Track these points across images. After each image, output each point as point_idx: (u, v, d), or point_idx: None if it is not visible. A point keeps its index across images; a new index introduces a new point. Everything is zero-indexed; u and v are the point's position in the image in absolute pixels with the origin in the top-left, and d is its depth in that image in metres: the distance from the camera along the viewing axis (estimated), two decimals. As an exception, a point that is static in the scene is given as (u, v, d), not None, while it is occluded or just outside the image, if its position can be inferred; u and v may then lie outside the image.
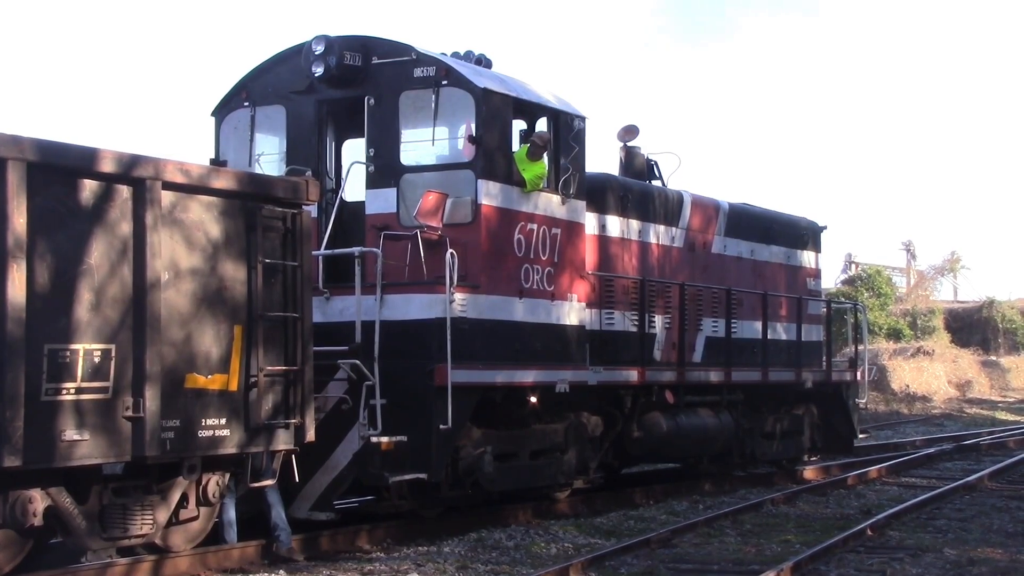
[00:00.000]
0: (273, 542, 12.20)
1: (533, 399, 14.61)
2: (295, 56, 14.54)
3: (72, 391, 10.08)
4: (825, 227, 22.15)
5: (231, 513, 12.19)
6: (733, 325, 18.48)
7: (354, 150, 14.99)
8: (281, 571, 11.59)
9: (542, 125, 15.09)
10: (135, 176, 10.59)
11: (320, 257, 13.64)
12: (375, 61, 14.25)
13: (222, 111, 15.06)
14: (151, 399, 10.51)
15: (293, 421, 11.77)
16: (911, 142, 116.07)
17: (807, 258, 21.46)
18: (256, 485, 11.80)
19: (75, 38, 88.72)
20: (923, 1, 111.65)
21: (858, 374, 21.83)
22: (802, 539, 13.69)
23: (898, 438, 29.77)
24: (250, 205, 11.56)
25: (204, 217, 11.21)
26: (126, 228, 10.56)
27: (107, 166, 10.42)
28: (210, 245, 11.23)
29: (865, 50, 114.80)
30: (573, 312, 15.07)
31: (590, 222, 15.71)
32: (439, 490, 13.70)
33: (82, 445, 10.13)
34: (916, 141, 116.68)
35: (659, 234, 17.46)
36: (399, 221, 13.99)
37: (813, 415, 20.84)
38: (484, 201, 13.84)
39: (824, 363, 21.09)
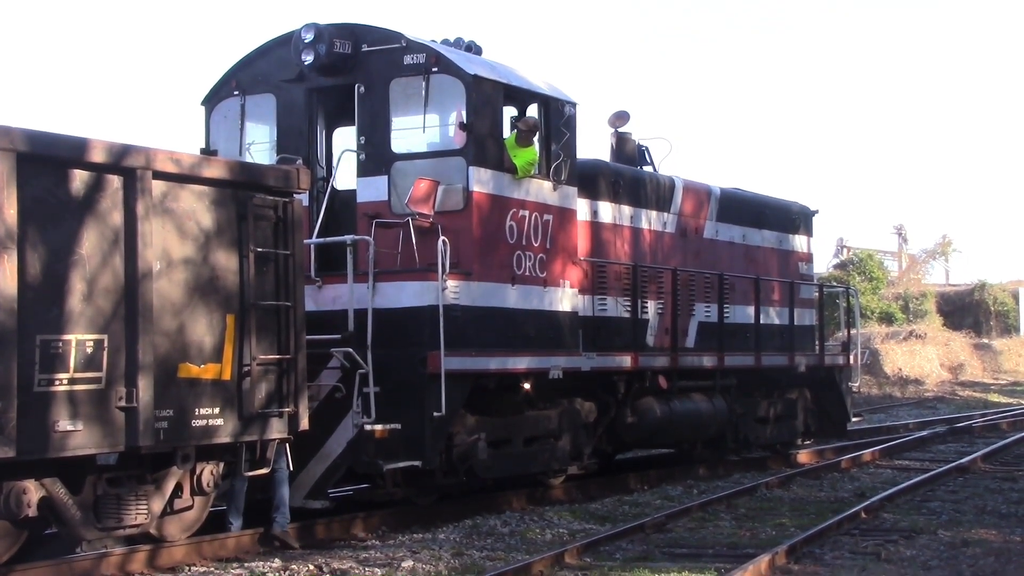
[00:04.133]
0: (270, 524, 12.21)
1: (526, 386, 14.61)
2: (284, 44, 14.51)
3: (65, 382, 10.06)
4: (817, 211, 22.17)
5: (238, 499, 12.20)
6: (726, 310, 18.51)
7: (345, 138, 14.97)
8: (276, 559, 11.59)
9: (533, 111, 15.07)
10: (126, 166, 10.57)
11: (312, 245, 13.63)
12: (365, 49, 14.22)
13: (212, 100, 15.03)
14: (144, 389, 10.49)
15: (287, 410, 11.77)
16: (902, 126, 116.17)
17: (799, 242, 21.47)
18: (251, 474, 11.80)
19: (65, 29, 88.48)
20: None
21: (851, 358, 21.87)
22: (797, 522, 13.72)
23: (891, 421, 29.84)
24: (241, 194, 11.54)
25: (195, 206, 11.19)
26: (117, 218, 10.54)
27: (98, 156, 10.40)
28: (202, 234, 11.21)
29: (856, 33, 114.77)
30: (566, 298, 15.07)
31: (582, 208, 15.71)
32: (433, 477, 13.71)
33: (76, 436, 10.12)
34: (907, 125, 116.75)
35: (651, 220, 17.47)
36: (390, 209, 13.97)
37: (806, 399, 20.88)
38: (475, 188, 13.83)
39: (817, 347, 21.13)
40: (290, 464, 12.22)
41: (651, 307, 17.09)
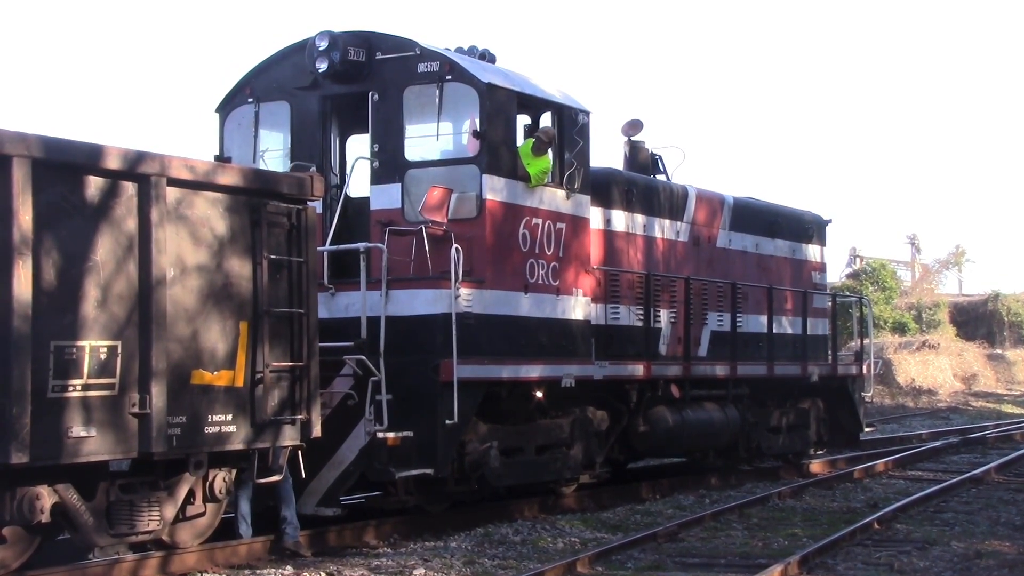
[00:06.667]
0: (281, 536, 12.22)
1: (539, 394, 14.60)
2: (299, 52, 14.54)
3: (79, 388, 10.08)
4: (830, 221, 22.15)
5: (245, 507, 12.22)
6: (738, 319, 18.48)
7: (358, 146, 15.00)
8: (288, 567, 11.59)
9: (546, 120, 15.08)
10: (140, 172, 10.59)
11: (325, 253, 13.64)
12: (379, 57, 14.24)
13: (226, 108, 15.05)
14: (157, 395, 10.51)
15: (299, 417, 11.78)
16: (915, 135, 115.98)
17: (812, 252, 21.45)
18: (263, 481, 11.80)
19: (79, 35, 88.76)
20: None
21: (864, 368, 21.83)
22: (809, 533, 13.69)
23: (904, 431, 29.77)
24: (255, 201, 11.56)
25: (209, 213, 11.20)
26: (132, 224, 10.56)
27: (112, 163, 10.42)
28: (216, 241, 11.22)
29: (870, 43, 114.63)
30: (578, 307, 15.06)
31: (595, 217, 15.70)
32: (445, 485, 13.70)
33: (89, 442, 10.13)
34: (920, 134, 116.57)
35: (664, 228, 17.46)
36: (404, 216, 13.98)
37: (819, 409, 20.83)
38: (489, 196, 13.84)
39: (830, 357, 21.09)
40: (302, 471, 12.20)
41: (664, 316, 17.07)
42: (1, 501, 10.01)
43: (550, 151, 14.66)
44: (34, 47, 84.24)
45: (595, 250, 15.68)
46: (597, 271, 15.66)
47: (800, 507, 15.99)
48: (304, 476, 12.33)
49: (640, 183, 17.23)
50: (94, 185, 10.36)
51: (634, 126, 18.38)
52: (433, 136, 14.18)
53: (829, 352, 21.16)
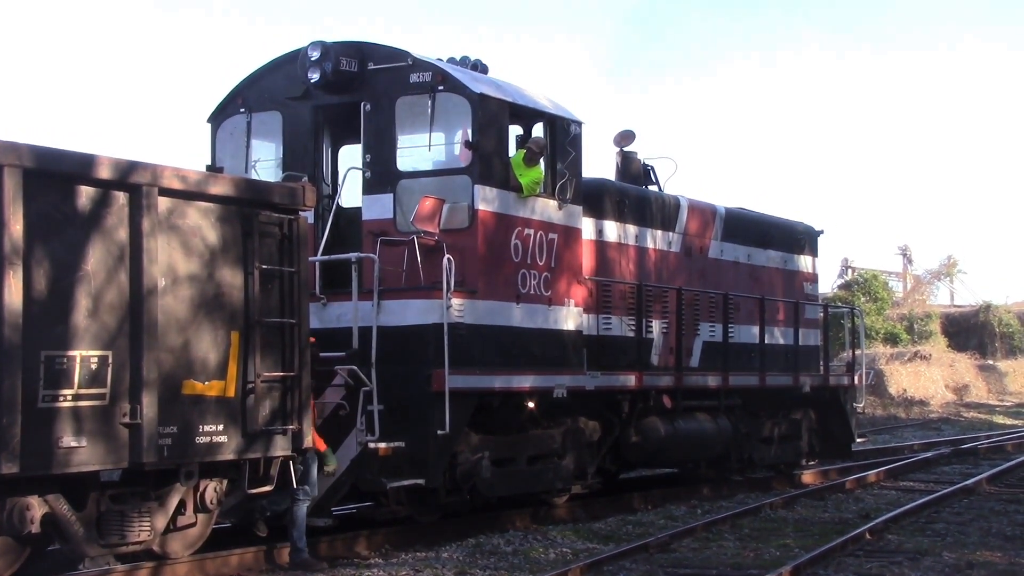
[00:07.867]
0: (278, 549, 12.19)
1: (531, 404, 14.60)
2: (291, 62, 14.54)
3: (69, 398, 10.06)
4: (822, 231, 22.20)
5: (302, 522, 12.14)
6: (730, 329, 18.49)
7: (350, 156, 14.99)
8: (280, 577, 11.58)
9: (538, 130, 15.09)
10: (132, 182, 10.58)
11: (317, 263, 13.64)
12: (371, 67, 14.25)
13: (218, 117, 15.05)
14: (148, 405, 10.49)
15: (291, 427, 11.76)
16: (907, 146, 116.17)
17: (804, 262, 21.48)
18: (254, 491, 11.78)
19: (71, 44, 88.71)
20: (917, 6, 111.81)
21: (855, 378, 21.85)
22: (801, 543, 13.68)
23: (896, 442, 29.79)
24: (247, 211, 11.56)
25: (201, 223, 11.20)
26: (123, 234, 10.55)
27: (104, 172, 10.42)
28: (207, 251, 11.22)
29: (860, 54, 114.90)
30: (570, 317, 15.07)
31: (587, 227, 15.71)
32: (437, 496, 13.69)
33: (79, 452, 10.11)
34: (912, 145, 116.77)
35: (656, 239, 17.47)
36: (396, 227, 13.98)
37: (811, 419, 20.85)
38: (481, 206, 13.84)
39: (821, 367, 21.10)
40: (294, 482, 12.12)
41: (656, 326, 17.08)
42: (-9, 511, 9.99)
43: (542, 161, 14.67)
44: (26, 57, 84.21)
45: (587, 260, 15.69)
46: (589, 281, 15.67)
47: (792, 518, 15.99)
48: (295, 486, 12.30)
49: (632, 194, 17.25)
50: (85, 195, 10.36)
51: (626, 137, 18.40)
52: (425, 146, 14.18)
53: (821, 363, 21.17)
